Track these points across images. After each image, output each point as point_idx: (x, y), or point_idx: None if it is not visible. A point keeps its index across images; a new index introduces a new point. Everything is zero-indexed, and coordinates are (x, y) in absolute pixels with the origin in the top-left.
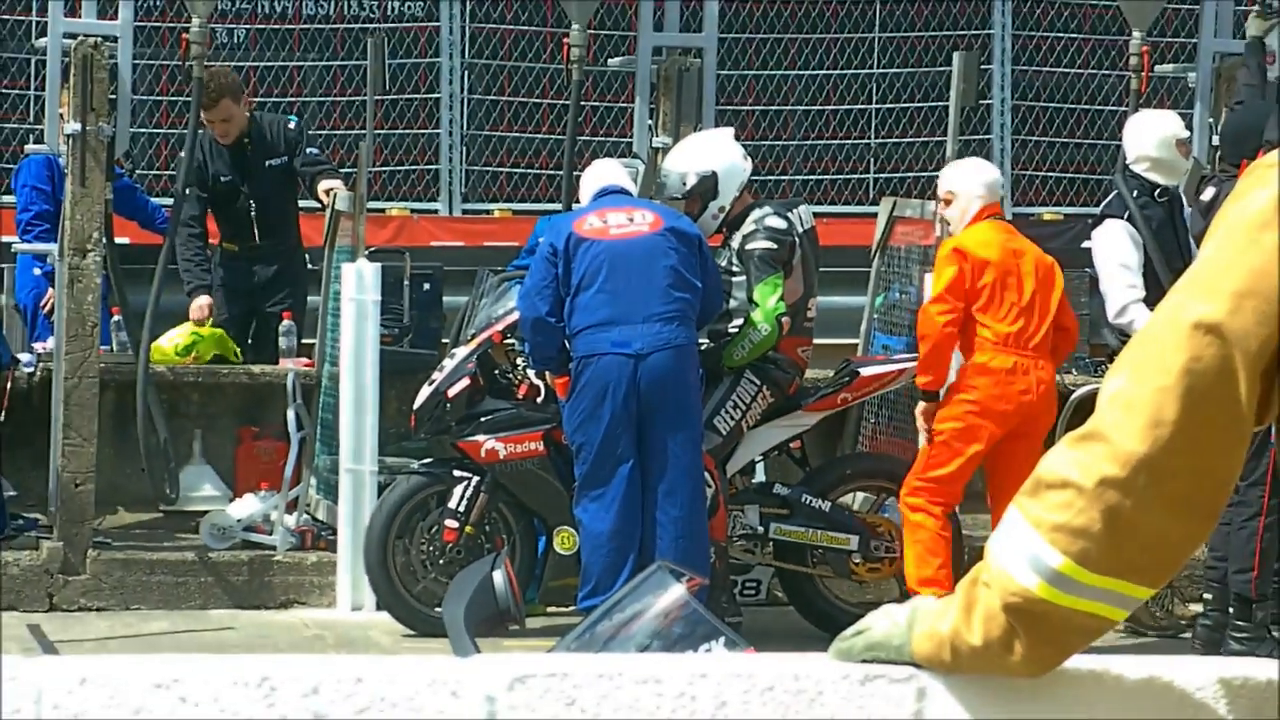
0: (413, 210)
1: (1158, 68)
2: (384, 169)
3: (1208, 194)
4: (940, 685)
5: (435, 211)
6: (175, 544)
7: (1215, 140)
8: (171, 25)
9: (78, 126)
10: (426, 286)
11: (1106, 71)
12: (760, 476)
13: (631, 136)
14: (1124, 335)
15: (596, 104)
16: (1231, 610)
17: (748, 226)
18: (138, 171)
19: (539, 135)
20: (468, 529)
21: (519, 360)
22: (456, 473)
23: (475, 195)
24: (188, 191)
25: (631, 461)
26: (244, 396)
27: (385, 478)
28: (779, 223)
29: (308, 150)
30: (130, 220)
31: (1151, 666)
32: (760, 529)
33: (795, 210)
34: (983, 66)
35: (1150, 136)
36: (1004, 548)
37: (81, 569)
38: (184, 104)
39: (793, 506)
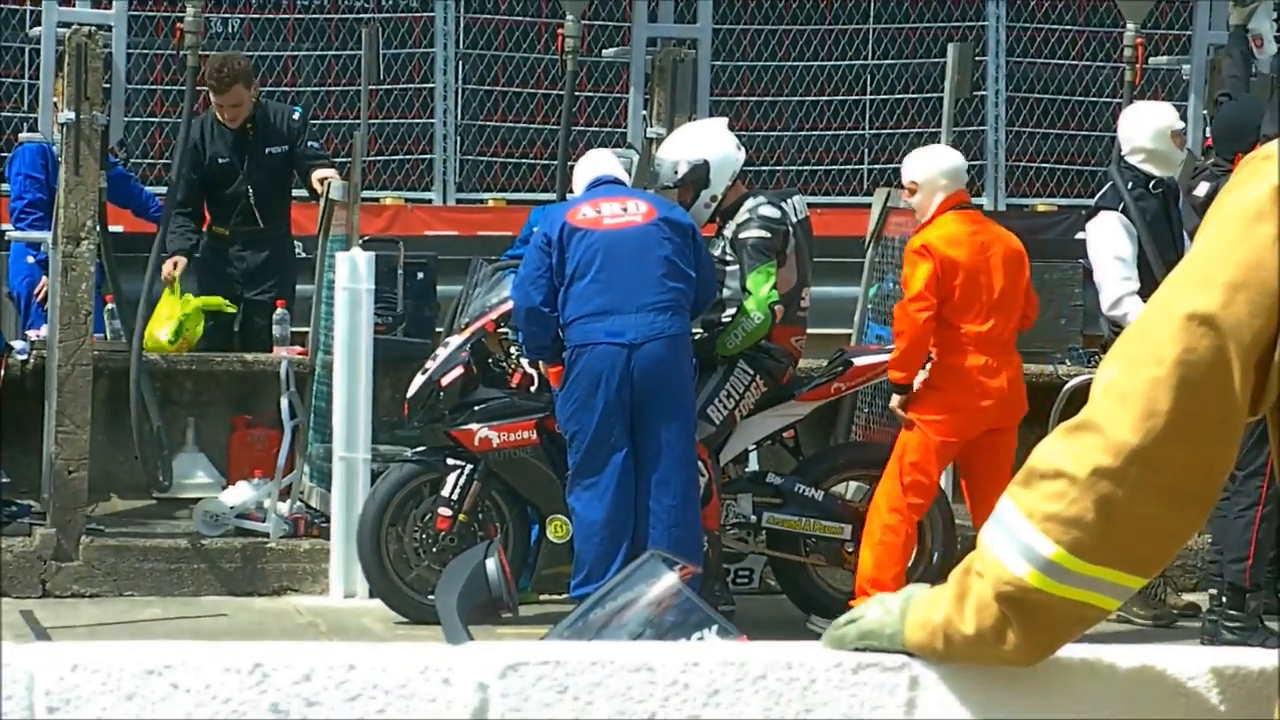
0: (407, 199)
1: (1152, 60)
2: (378, 158)
3: (1202, 190)
4: (933, 674)
5: (429, 201)
6: (168, 531)
7: (1208, 132)
8: (166, 14)
9: (72, 115)
10: (420, 275)
11: (1101, 63)
12: (753, 465)
13: (626, 127)
14: (1117, 326)
15: (591, 94)
16: (1224, 599)
17: (741, 215)
18: (132, 160)
19: (533, 125)
20: (461, 517)
21: (512, 349)
22: (450, 461)
23: (469, 185)
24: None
25: (625, 450)
26: (237, 384)
27: (378, 466)
28: (773, 212)
29: (309, 144)
30: (124, 209)
31: (1144, 656)
32: (753, 518)
33: (789, 200)
34: (977, 58)
35: (1145, 128)
36: (997, 537)
37: (74, 555)
38: (178, 93)
39: (786, 495)
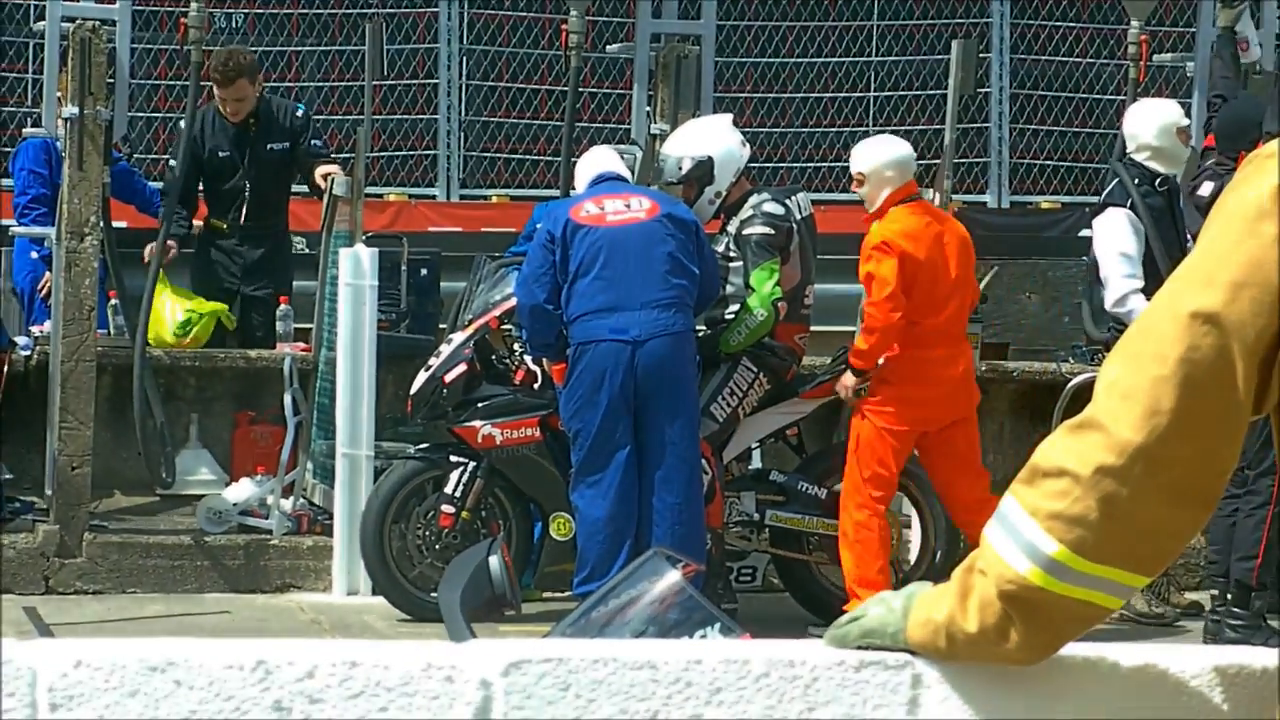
0: (410, 195)
1: (1156, 57)
2: (382, 154)
3: (1206, 189)
4: (935, 672)
5: (433, 197)
6: (171, 528)
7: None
8: (170, 9)
9: (76, 110)
10: (424, 272)
11: (1105, 60)
12: (757, 463)
13: (630, 123)
14: (1118, 325)
15: (595, 90)
16: (1229, 597)
17: (745, 212)
18: (135, 155)
19: (537, 121)
20: (464, 514)
21: (516, 346)
22: (453, 458)
23: (473, 181)
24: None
25: (628, 448)
26: (240, 381)
27: (381, 462)
28: (776, 209)
29: (312, 142)
30: (128, 204)
31: (1147, 654)
32: (756, 515)
33: (793, 197)
34: (981, 55)
35: (1151, 125)
36: (1000, 535)
37: (77, 552)
38: (182, 88)
39: (789, 493)
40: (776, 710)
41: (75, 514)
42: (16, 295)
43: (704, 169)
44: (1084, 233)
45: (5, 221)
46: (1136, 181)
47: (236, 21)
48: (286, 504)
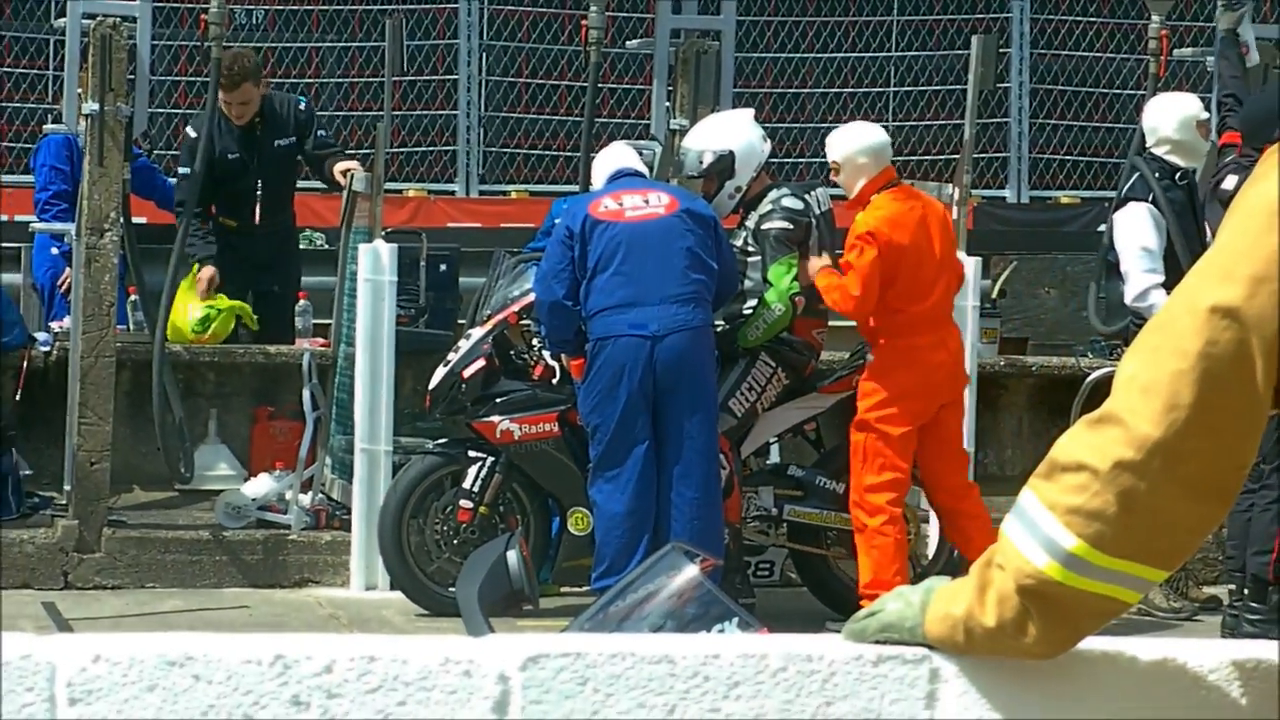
0: (430, 191)
1: (1176, 51)
2: (401, 150)
3: (1230, 183)
4: (953, 667)
5: (452, 193)
6: (190, 523)
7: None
8: (190, 5)
9: (96, 106)
10: (443, 267)
11: (1125, 55)
12: (775, 458)
13: (649, 119)
14: (1138, 319)
15: (614, 86)
16: (1246, 592)
17: (764, 207)
18: (155, 151)
19: (556, 117)
20: (482, 509)
21: (534, 341)
22: (471, 453)
23: (492, 177)
24: (188, 172)
25: (647, 443)
26: (259, 376)
27: (400, 458)
28: (795, 203)
29: (318, 133)
30: (147, 200)
31: (1165, 649)
32: (774, 510)
33: (813, 192)
34: (1001, 50)
35: (1171, 118)
36: (1018, 530)
37: (96, 547)
38: (202, 84)
39: (807, 488)
40: (794, 705)
41: (94, 509)
42: (37, 291)
43: (725, 163)
44: (1103, 227)
45: (26, 217)
46: (1157, 176)
47: (257, 18)
48: (305, 499)
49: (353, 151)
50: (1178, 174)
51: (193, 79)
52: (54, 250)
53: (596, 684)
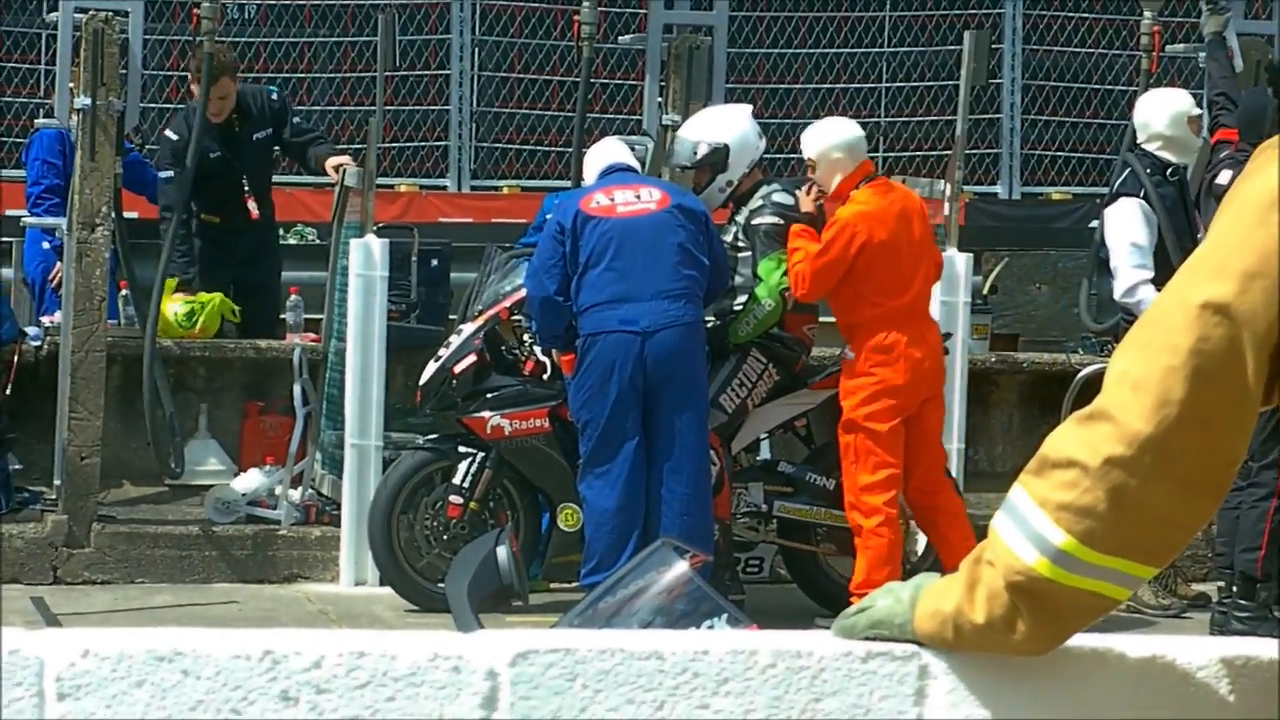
0: (422, 186)
1: (1168, 47)
2: (393, 145)
3: (1224, 178)
4: (943, 663)
5: (444, 188)
6: (180, 518)
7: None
8: (182, 0)
9: (88, 101)
10: (434, 262)
11: (1117, 51)
12: (765, 454)
13: (641, 114)
14: (1128, 315)
15: (606, 81)
16: (1235, 589)
17: (755, 202)
18: (148, 146)
19: (548, 112)
20: (472, 505)
21: (525, 337)
22: (461, 449)
23: (484, 172)
24: (170, 175)
25: (637, 439)
26: (250, 371)
27: (390, 453)
28: (786, 199)
29: (294, 121)
30: (139, 195)
31: (1154, 646)
32: (764, 507)
33: (803, 188)
34: (993, 45)
35: (1163, 114)
36: (1008, 526)
37: (86, 542)
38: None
39: (797, 484)
40: (783, 701)
41: (84, 504)
42: (27, 285)
43: (718, 156)
44: (1094, 223)
45: (17, 212)
46: (1149, 171)
47: (249, 12)
48: (295, 494)
49: (344, 146)
50: (1169, 170)
51: (185, 74)
52: (45, 245)
53: (585, 680)
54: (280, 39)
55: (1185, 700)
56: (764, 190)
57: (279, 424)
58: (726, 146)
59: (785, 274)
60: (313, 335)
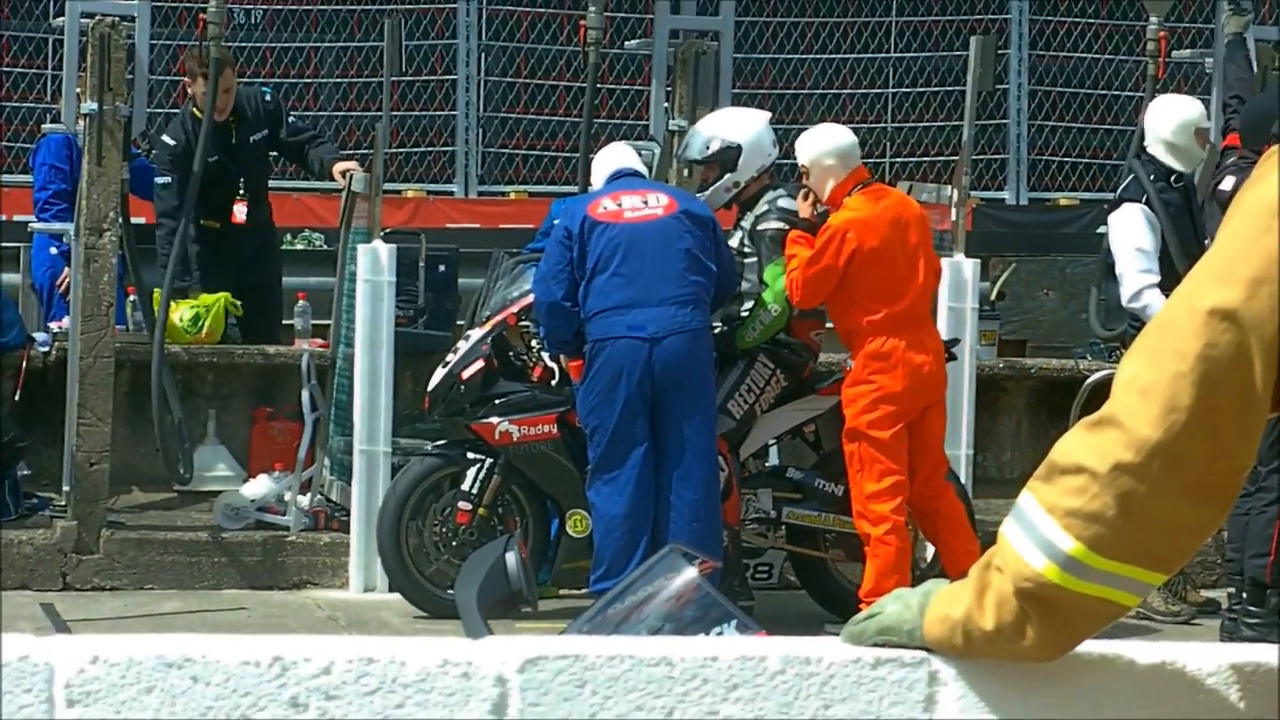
0: (429, 192)
1: (1175, 53)
2: (400, 150)
3: (1228, 183)
4: (952, 669)
5: (451, 193)
6: (189, 524)
7: (1223, 127)
8: (189, 5)
9: (95, 106)
10: (442, 268)
11: (1124, 57)
12: (774, 460)
13: (648, 119)
14: (1135, 321)
15: (613, 87)
16: (1245, 595)
17: (760, 207)
18: (154, 151)
19: (555, 118)
20: (481, 511)
21: (533, 343)
22: (470, 455)
23: (491, 177)
24: (168, 181)
25: (645, 445)
26: (258, 377)
27: (399, 459)
28: (792, 205)
29: (289, 122)
30: (146, 200)
31: (1163, 652)
32: (773, 513)
33: None
34: (1000, 51)
35: (1170, 120)
36: (1016, 532)
37: (95, 548)
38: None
39: (806, 490)
40: (792, 707)
41: (93, 510)
42: (35, 291)
43: (730, 155)
44: (1101, 229)
45: (24, 217)
46: (1152, 178)
47: (255, 17)
48: (304, 500)
49: (351, 152)
50: (1173, 176)
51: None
52: (53, 250)
53: (595, 686)
54: (286, 44)
55: (1195, 706)
56: (770, 196)
57: (287, 430)
58: (739, 146)
59: None
60: (320, 341)
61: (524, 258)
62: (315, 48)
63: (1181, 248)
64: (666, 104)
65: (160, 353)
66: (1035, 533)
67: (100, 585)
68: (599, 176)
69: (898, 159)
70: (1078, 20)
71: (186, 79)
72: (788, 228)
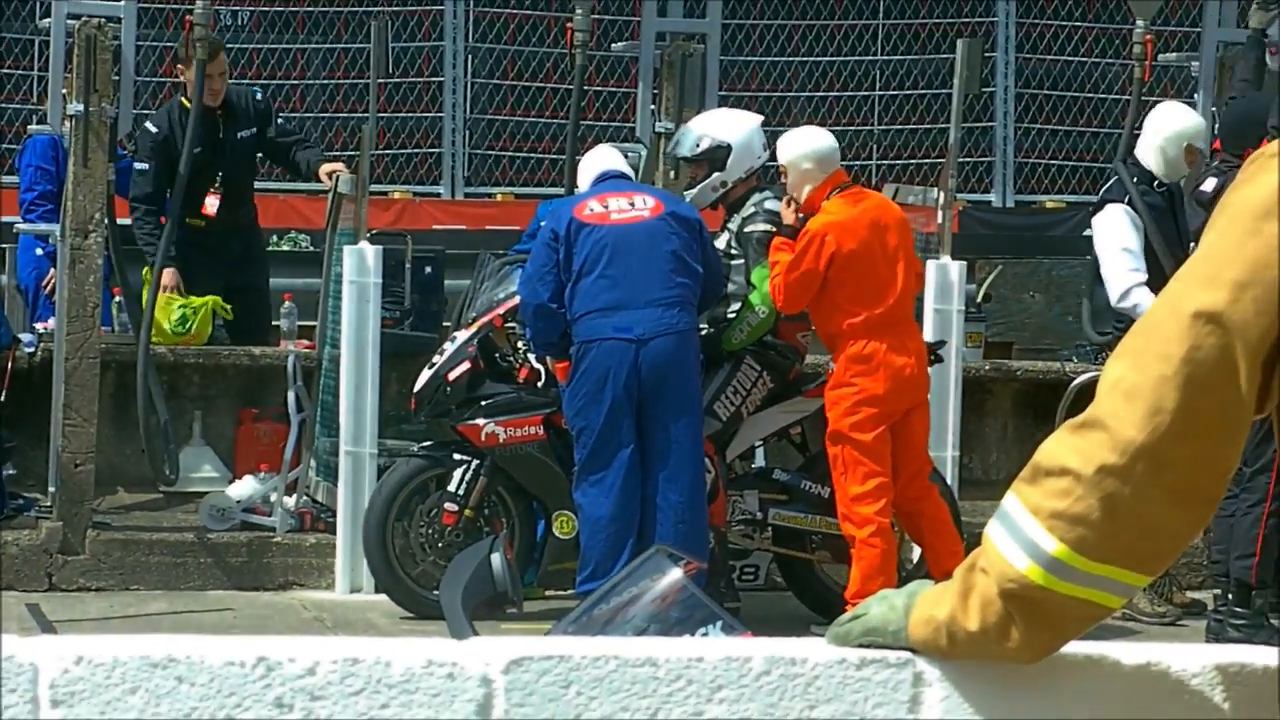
0: (415, 193)
1: (1161, 56)
2: (387, 152)
3: (1209, 185)
4: (937, 670)
5: (437, 195)
6: (174, 525)
7: (1216, 130)
8: (175, 6)
9: (80, 107)
10: (428, 269)
11: (1110, 60)
12: (760, 462)
13: (634, 121)
14: (1121, 323)
15: (599, 89)
16: (1230, 596)
17: (747, 209)
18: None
19: (541, 120)
20: (467, 512)
21: (520, 344)
22: (456, 456)
23: (477, 179)
24: (145, 168)
25: (631, 446)
26: (244, 378)
27: (385, 460)
28: (778, 206)
29: (277, 122)
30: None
31: (1148, 653)
32: (759, 514)
33: None
34: (986, 54)
35: (1166, 127)
36: (1001, 534)
37: (81, 549)
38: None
39: (792, 492)
40: (777, 708)
41: (78, 511)
42: (21, 292)
43: (719, 154)
44: (1087, 232)
45: (10, 218)
46: (1135, 180)
47: (242, 19)
48: (290, 501)
49: (337, 153)
50: (1155, 181)
51: (178, 80)
52: (39, 251)
53: (580, 687)
54: (273, 46)
55: (1180, 708)
56: (756, 198)
57: (273, 431)
58: (729, 146)
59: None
60: (306, 342)
61: (510, 259)
62: (302, 49)
63: (1166, 249)
64: (653, 106)
65: (146, 354)
66: (1019, 534)
67: (85, 586)
68: (585, 178)
69: (884, 161)
70: (1064, 23)
71: (180, 66)
72: (774, 229)
